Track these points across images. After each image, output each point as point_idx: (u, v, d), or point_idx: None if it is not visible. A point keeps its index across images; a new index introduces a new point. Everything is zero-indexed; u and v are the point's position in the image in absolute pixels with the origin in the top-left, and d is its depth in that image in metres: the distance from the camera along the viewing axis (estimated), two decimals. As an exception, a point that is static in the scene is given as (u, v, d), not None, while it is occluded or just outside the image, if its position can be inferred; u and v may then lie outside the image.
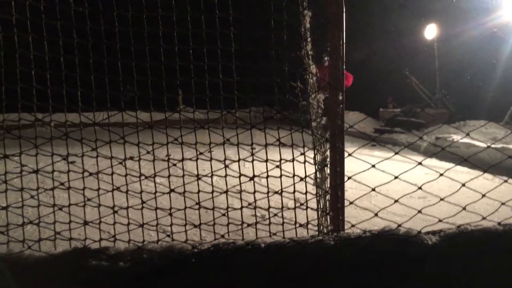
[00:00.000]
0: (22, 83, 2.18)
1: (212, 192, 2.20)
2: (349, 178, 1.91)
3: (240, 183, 2.08)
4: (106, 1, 2.25)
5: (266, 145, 2.29)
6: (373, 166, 1.87)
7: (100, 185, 2.25)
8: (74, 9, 2.18)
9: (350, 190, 3.65)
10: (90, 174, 2.12)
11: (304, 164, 2.21)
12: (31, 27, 2.20)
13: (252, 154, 2.20)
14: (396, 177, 1.93)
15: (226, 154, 2.21)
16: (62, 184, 2.15)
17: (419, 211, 1.96)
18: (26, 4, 2.17)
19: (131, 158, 2.34)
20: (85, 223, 2.15)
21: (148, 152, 2.09)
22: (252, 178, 2.17)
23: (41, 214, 2.25)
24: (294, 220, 2.19)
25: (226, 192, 2.19)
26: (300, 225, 2.10)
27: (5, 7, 2.14)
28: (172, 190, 2.13)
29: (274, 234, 1.91)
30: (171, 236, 2.09)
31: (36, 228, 2.25)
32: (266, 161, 2.22)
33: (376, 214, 1.92)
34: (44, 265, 1.42)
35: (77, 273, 1.42)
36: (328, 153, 2.33)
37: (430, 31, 9.69)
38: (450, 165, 2.28)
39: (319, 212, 2.35)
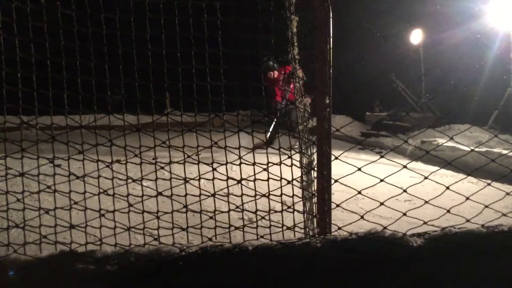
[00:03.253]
0: (8, 85, 2.16)
1: (200, 195, 2.20)
2: (335, 181, 1.93)
3: (228, 186, 2.09)
4: (93, 4, 2.24)
5: (253, 148, 2.30)
6: (359, 169, 1.89)
7: (86, 188, 2.24)
8: (61, 11, 2.16)
9: (337, 193, 3.68)
10: (77, 177, 2.11)
11: (291, 168, 2.23)
12: (17, 29, 2.18)
13: (240, 158, 2.21)
14: (381, 180, 1.96)
15: (213, 157, 2.21)
16: (48, 187, 2.13)
17: (404, 214, 1.99)
18: (12, 6, 2.15)
19: (118, 161, 2.33)
20: (71, 226, 2.13)
21: (135, 155, 2.09)
22: (239, 182, 2.18)
23: (26, 217, 2.23)
24: (281, 223, 2.20)
25: (213, 195, 2.19)
26: (288, 228, 2.11)
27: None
28: (159, 193, 2.12)
29: (262, 237, 1.92)
30: (158, 239, 2.08)
31: (21, 232, 2.22)
32: (254, 164, 2.23)
33: (362, 217, 1.94)
34: (30, 269, 1.41)
35: (64, 276, 1.42)
36: (314, 156, 2.35)
37: (416, 36, 9.80)
38: (436, 168, 2.32)
39: (306, 215, 2.36)
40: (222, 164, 2.19)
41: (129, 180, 2.16)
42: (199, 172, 2.21)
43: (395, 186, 2.08)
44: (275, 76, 7.44)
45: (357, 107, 10.77)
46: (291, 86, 6.72)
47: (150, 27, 2.28)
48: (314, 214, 2.26)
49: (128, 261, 1.45)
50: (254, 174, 2.17)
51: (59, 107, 2.22)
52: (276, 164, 2.17)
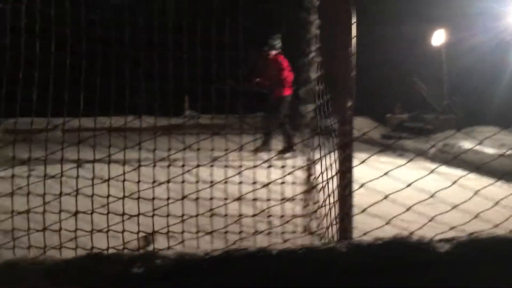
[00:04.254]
0: (38, 89, 2.20)
1: (225, 198, 2.20)
2: (361, 185, 1.90)
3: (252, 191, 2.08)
4: (119, 9, 2.27)
5: (279, 152, 2.30)
6: (386, 174, 1.86)
7: (110, 191, 2.26)
8: (91, 18, 2.20)
9: (357, 196, 3.64)
10: (104, 181, 2.14)
11: (321, 172, 2.21)
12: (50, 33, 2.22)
13: (268, 160, 2.20)
14: (409, 185, 1.92)
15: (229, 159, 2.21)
16: (78, 192, 2.15)
17: (431, 219, 1.95)
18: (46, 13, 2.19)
19: (139, 165, 2.34)
20: (99, 231, 2.14)
21: (164, 159, 2.10)
22: (265, 186, 2.17)
23: (48, 220, 2.26)
24: (304, 227, 2.19)
25: (239, 199, 2.20)
26: (311, 233, 2.10)
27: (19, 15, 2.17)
28: (185, 197, 2.13)
29: (286, 241, 1.91)
30: (182, 242, 2.09)
31: (46, 234, 2.24)
32: (282, 167, 2.22)
33: (388, 222, 1.91)
34: (58, 271, 1.43)
35: (91, 278, 1.43)
36: (337, 159, 2.33)
37: (438, 38, 9.66)
38: (457, 171, 2.28)
39: (328, 219, 2.34)
40: (248, 168, 2.19)
41: (155, 183, 2.17)
42: (225, 175, 2.21)
43: (421, 190, 2.03)
44: (272, 56, 6.44)
45: (377, 109, 10.66)
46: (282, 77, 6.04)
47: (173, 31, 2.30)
48: (336, 218, 2.24)
49: (154, 264, 1.46)
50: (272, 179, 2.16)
51: (88, 110, 2.26)
52: (300, 168, 2.16)
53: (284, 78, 6.12)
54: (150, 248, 2.18)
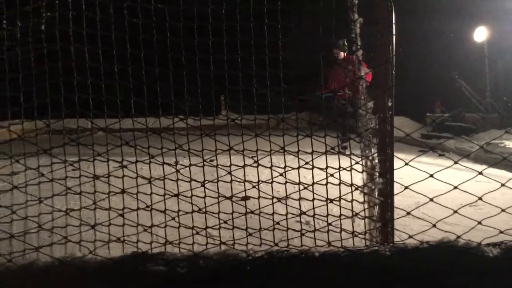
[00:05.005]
0: (79, 93, 2.28)
1: (258, 198, 2.20)
2: (406, 187, 1.85)
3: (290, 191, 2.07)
4: (157, 12, 2.32)
5: (312, 152, 2.27)
6: (431, 175, 1.81)
7: (152, 189, 2.31)
8: (128, 20, 2.25)
9: (397, 197, 3.56)
10: (149, 180, 2.18)
11: (350, 172, 2.18)
12: (88, 38, 2.30)
13: (300, 161, 2.19)
14: (455, 187, 1.86)
15: (272, 160, 2.21)
16: (125, 190, 2.20)
17: (479, 222, 1.88)
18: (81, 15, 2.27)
19: (177, 163, 2.37)
20: (145, 228, 2.19)
21: (204, 161, 2.12)
22: (306, 186, 2.15)
23: (94, 218, 2.34)
24: (345, 229, 2.16)
25: (273, 199, 2.19)
26: (355, 235, 2.06)
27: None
28: (227, 197, 2.15)
29: (329, 243, 1.89)
30: (222, 243, 2.10)
31: (90, 232, 2.32)
32: (312, 168, 2.19)
33: (434, 225, 1.86)
34: (104, 270, 1.47)
35: (136, 278, 1.46)
36: (377, 160, 2.28)
37: (480, 34, 9.33)
38: (500, 171, 2.18)
39: (371, 221, 2.30)
40: (280, 167, 2.18)
41: (192, 182, 2.20)
42: (258, 175, 2.21)
43: (464, 191, 1.96)
44: (343, 57, 6.57)
45: (416, 108, 10.41)
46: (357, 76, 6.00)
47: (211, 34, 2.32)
48: (378, 220, 2.19)
49: (198, 265, 1.47)
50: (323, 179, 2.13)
51: (126, 111, 2.33)
52: (338, 169, 2.13)
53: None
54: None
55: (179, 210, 2.23)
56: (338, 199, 2.14)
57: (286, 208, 2.24)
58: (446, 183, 1.91)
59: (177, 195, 2.22)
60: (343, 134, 5.81)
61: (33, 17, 2.31)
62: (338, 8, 2.20)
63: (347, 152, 2.21)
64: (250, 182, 2.20)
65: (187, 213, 2.20)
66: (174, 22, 2.35)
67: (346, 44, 6.49)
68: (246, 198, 2.27)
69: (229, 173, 2.12)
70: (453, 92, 9.81)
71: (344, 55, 6.74)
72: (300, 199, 2.27)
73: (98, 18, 2.28)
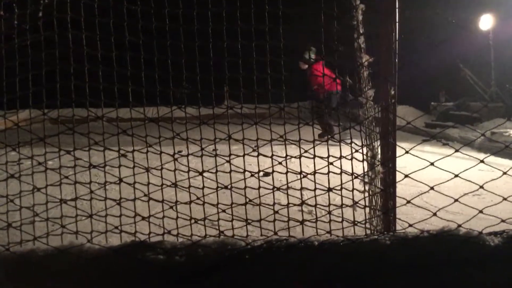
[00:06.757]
0: (76, 80, 2.27)
1: (259, 188, 2.18)
2: (406, 176, 1.83)
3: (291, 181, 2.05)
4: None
5: (314, 141, 2.25)
6: (432, 164, 1.78)
7: (150, 179, 2.29)
8: (127, 7, 2.23)
9: (399, 186, 3.54)
10: (146, 170, 2.17)
11: (351, 161, 2.16)
12: (86, 26, 2.28)
13: (301, 150, 2.17)
14: (456, 175, 1.83)
15: (272, 149, 2.19)
16: (122, 180, 2.20)
17: (481, 211, 1.85)
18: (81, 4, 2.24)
19: (179, 152, 2.36)
20: (142, 217, 2.18)
21: (203, 149, 2.10)
22: (306, 175, 2.14)
23: (92, 207, 2.33)
24: (346, 218, 2.14)
25: (275, 188, 2.17)
26: (355, 224, 2.05)
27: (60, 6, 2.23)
28: (226, 187, 2.13)
29: (328, 232, 1.87)
30: (220, 232, 2.09)
31: (87, 221, 2.31)
32: (314, 157, 2.17)
33: (435, 214, 1.84)
34: (103, 258, 1.47)
35: (135, 266, 1.46)
36: (379, 149, 2.26)
37: (485, 22, 9.21)
38: (505, 160, 2.15)
39: (369, 210, 2.28)
40: (281, 157, 2.16)
41: (190, 172, 2.19)
42: (258, 165, 2.19)
43: (466, 180, 1.94)
44: (304, 68, 7.42)
45: (420, 97, 10.34)
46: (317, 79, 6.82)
47: (212, 20, 2.29)
48: (379, 209, 2.18)
49: (196, 253, 1.46)
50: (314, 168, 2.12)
51: (123, 100, 2.31)
52: (339, 158, 2.10)
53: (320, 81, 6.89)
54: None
55: (177, 200, 2.22)
56: (339, 188, 2.12)
57: (287, 198, 2.23)
58: (448, 172, 1.88)
59: (175, 185, 2.21)
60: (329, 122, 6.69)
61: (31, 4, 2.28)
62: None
63: (348, 140, 2.19)
64: (250, 173, 2.18)
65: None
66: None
67: (311, 55, 7.25)
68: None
69: (228, 161, 2.10)
70: (458, 81, 9.73)
71: (305, 66, 7.47)
72: (301, 188, 2.26)
73: (95, 5, 2.25)
